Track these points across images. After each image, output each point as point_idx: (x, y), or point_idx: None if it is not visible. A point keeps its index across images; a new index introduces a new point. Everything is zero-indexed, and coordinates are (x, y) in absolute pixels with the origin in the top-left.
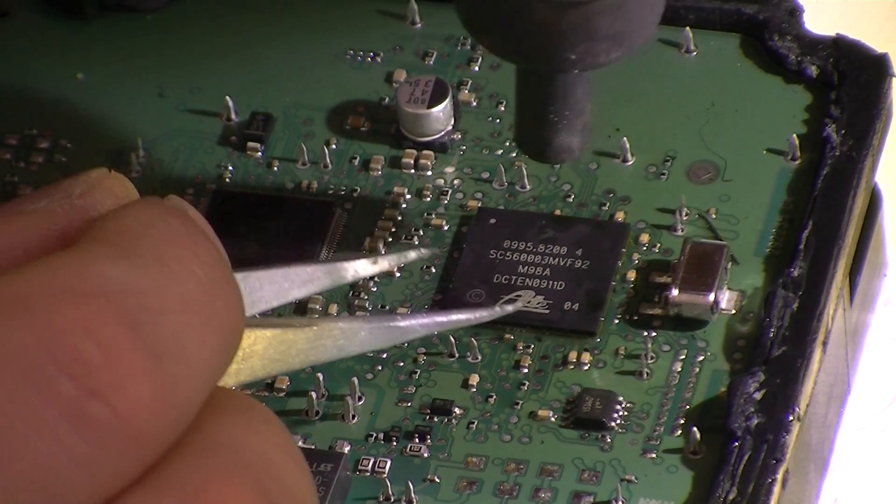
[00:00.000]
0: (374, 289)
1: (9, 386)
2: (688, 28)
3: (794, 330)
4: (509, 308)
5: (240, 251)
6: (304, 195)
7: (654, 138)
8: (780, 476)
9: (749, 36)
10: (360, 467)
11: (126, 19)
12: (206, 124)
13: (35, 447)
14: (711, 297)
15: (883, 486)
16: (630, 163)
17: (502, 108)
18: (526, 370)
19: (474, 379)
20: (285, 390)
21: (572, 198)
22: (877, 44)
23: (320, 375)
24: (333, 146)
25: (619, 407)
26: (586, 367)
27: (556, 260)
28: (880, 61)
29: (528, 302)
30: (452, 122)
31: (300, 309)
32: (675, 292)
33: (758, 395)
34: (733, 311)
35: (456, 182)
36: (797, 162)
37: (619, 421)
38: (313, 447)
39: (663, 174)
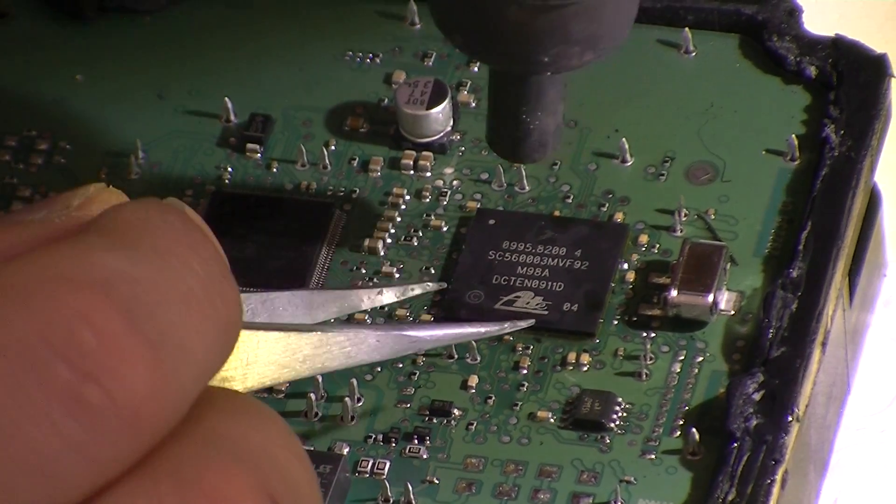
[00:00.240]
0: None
1: (4, 371)
2: (687, 28)
3: (793, 330)
4: (522, 324)
5: (239, 252)
6: (304, 196)
7: (653, 139)
8: (779, 477)
9: (748, 36)
10: (359, 469)
11: (125, 21)
12: (206, 126)
13: (31, 432)
14: (710, 297)
15: (883, 486)
16: (629, 163)
17: None
18: (525, 371)
19: (473, 380)
20: (284, 392)
21: (571, 199)
22: (876, 44)
23: (319, 377)
24: (332, 147)
25: (618, 408)
26: (585, 368)
27: (555, 261)
28: (879, 62)
29: (528, 303)
30: (451, 123)
31: None
32: (673, 293)
33: (757, 396)
34: (732, 312)
35: (455, 183)
36: (796, 162)
37: (618, 422)
38: (312, 449)
39: (662, 175)
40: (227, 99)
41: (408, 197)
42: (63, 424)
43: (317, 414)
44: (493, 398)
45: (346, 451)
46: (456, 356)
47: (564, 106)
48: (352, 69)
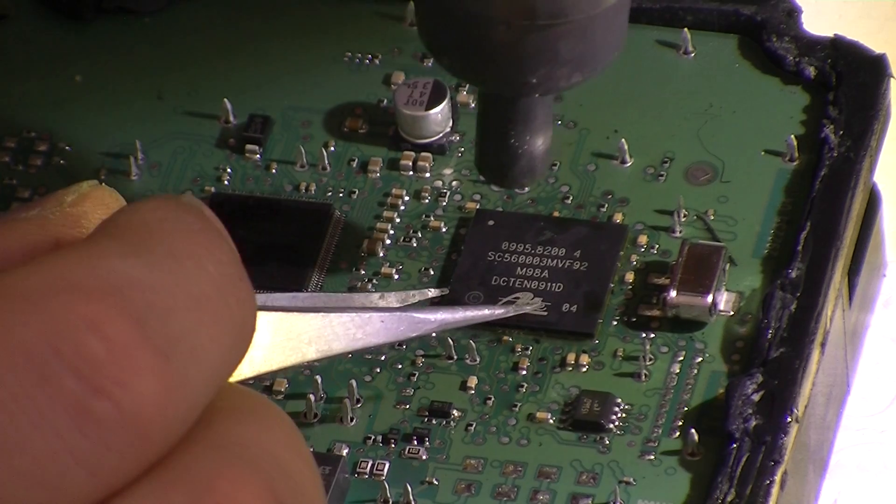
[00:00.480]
0: (373, 291)
1: (11, 381)
2: (686, 29)
3: (793, 331)
4: (526, 307)
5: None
6: (303, 197)
7: (652, 140)
8: (778, 477)
9: (747, 37)
10: (358, 470)
11: (124, 22)
12: (205, 127)
13: (37, 444)
14: (709, 298)
15: (882, 486)
16: (628, 164)
17: None
18: (524, 372)
19: (472, 381)
20: (284, 393)
21: (570, 199)
22: (875, 44)
23: (318, 378)
24: (332, 148)
25: (617, 409)
26: (584, 369)
27: (555, 262)
28: (878, 62)
29: (527, 304)
30: (451, 123)
31: None
32: (673, 294)
33: (756, 397)
34: (731, 313)
35: (454, 184)
36: (795, 163)
37: (617, 423)
38: (311, 450)
39: (661, 175)
40: (226, 100)
41: (407, 198)
42: (70, 437)
43: (316, 415)
44: (493, 399)
45: (345, 452)
46: (455, 357)
47: (552, 131)
48: (351, 70)
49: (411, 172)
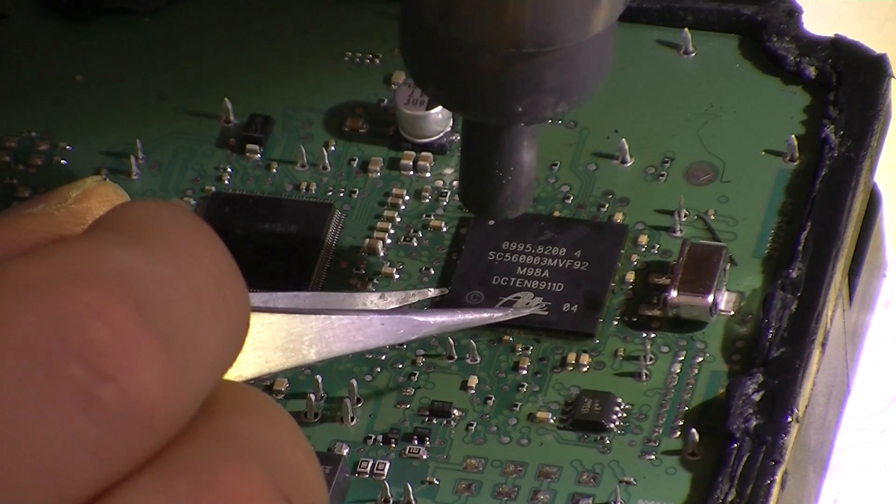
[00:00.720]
0: (374, 290)
1: (17, 368)
2: (686, 29)
3: (793, 331)
4: (525, 311)
5: (238, 253)
6: (303, 197)
7: (652, 140)
8: (778, 477)
9: (747, 37)
10: (358, 469)
11: (125, 21)
12: (205, 126)
13: (43, 430)
14: (710, 298)
15: (882, 486)
16: (628, 164)
17: None
18: (525, 372)
19: (473, 381)
20: (284, 392)
21: (571, 199)
22: (876, 45)
23: (319, 377)
24: (332, 148)
25: (617, 408)
26: (585, 369)
27: (555, 261)
28: (879, 62)
29: (527, 303)
30: (451, 123)
31: None
32: (673, 294)
33: (756, 397)
34: (732, 313)
35: (455, 183)
36: (795, 163)
37: (617, 422)
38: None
39: (662, 175)
40: (226, 99)
41: (407, 197)
42: (76, 423)
43: (316, 414)
44: (493, 399)
45: (345, 451)
46: (456, 357)
47: (536, 163)
48: (351, 70)
49: (412, 172)
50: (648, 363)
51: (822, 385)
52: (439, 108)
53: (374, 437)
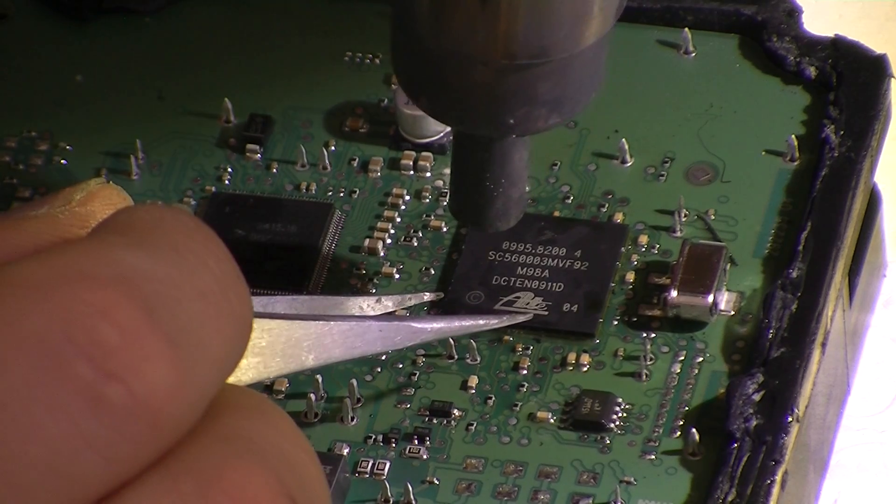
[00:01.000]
0: (374, 291)
1: (25, 368)
2: (686, 29)
3: (793, 331)
4: (521, 317)
5: (238, 253)
6: (303, 197)
7: (652, 140)
8: (778, 477)
9: (748, 37)
10: (358, 469)
11: (125, 21)
12: (205, 126)
13: (51, 430)
14: (710, 298)
15: (882, 486)
16: (629, 164)
17: None
18: (525, 372)
19: (473, 381)
20: (284, 392)
21: (571, 199)
22: (876, 45)
23: (319, 377)
24: (332, 148)
25: (617, 408)
26: (585, 369)
27: (555, 261)
28: (879, 62)
29: (527, 303)
30: None
31: None
32: (673, 294)
33: (756, 397)
34: (732, 313)
35: None
36: (796, 163)
37: (617, 422)
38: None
39: (662, 175)
40: (226, 99)
41: (407, 197)
42: (83, 423)
43: (316, 414)
44: (493, 399)
45: (345, 451)
46: (456, 356)
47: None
48: (351, 69)
49: (412, 172)
50: (648, 363)
51: (822, 385)
52: None
53: (374, 436)
